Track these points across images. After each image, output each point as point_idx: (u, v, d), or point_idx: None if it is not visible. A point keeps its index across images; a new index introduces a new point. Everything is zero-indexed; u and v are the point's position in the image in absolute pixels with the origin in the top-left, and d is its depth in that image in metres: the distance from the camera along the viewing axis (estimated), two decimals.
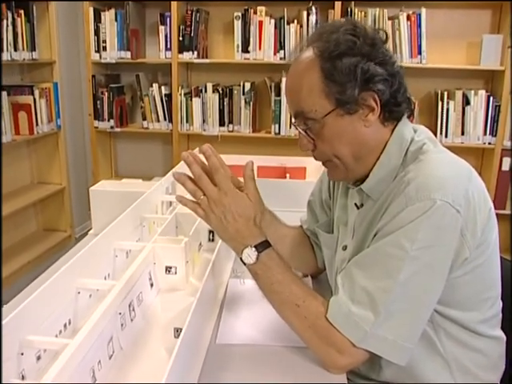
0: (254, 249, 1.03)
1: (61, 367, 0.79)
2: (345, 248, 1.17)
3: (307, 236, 1.42)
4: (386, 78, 1.02)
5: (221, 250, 1.34)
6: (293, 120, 1.10)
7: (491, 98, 3.32)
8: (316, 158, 1.12)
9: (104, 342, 0.98)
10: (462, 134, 3.37)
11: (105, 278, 1.26)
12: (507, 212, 3.32)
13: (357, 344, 0.94)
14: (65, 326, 1.06)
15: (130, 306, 1.11)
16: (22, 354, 0.89)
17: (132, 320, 1.11)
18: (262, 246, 1.03)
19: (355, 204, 1.15)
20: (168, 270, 1.31)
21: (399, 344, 0.93)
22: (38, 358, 0.94)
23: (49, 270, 1.37)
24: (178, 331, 1.04)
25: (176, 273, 1.31)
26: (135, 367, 1.02)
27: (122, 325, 1.06)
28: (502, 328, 1.13)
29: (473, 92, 3.31)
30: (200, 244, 1.53)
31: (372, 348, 0.94)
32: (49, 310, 0.99)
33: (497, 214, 1.06)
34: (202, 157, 1.11)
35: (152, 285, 1.27)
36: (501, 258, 1.10)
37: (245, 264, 1.04)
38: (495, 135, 3.35)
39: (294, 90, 1.07)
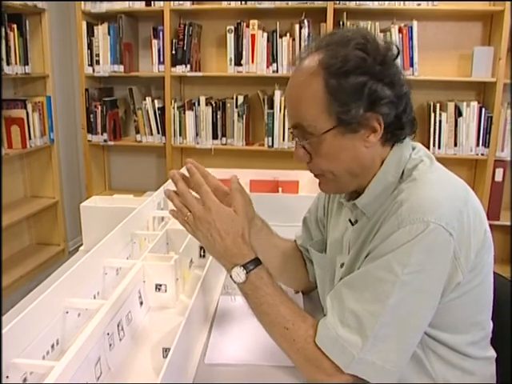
0: (242, 268, 1.00)
1: None
2: (342, 266, 1.13)
3: (300, 251, 1.41)
4: (393, 100, 0.97)
5: (211, 266, 1.34)
6: (291, 129, 1.07)
7: (483, 110, 3.33)
8: (310, 171, 1.09)
9: (91, 364, 0.97)
10: (455, 145, 3.38)
11: (94, 297, 1.25)
12: (501, 223, 3.33)
13: (344, 369, 0.92)
14: (52, 346, 1.04)
15: (118, 325, 1.10)
16: (8, 376, 0.88)
17: (121, 340, 1.10)
18: (252, 265, 1.01)
19: (349, 220, 1.13)
20: (158, 287, 1.30)
21: (387, 369, 0.91)
22: (24, 380, 0.92)
23: (39, 287, 1.36)
24: (166, 351, 1.04)
25: (166, 290, 1.30)
26: None
27: (110, 345, 1.05)
28: (496, 345, 1.11)
29: (465, 103, 3.32)
30: (191, 260, 1.53)
31: (360, 373, 0.92)
32: (36, 331, 0.99)
33: (490, 225, 1.03)
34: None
35: (142, 303, 1.26)
36: (496, 274, 1.09)
37: (235, 282, 1.02)
38: (488, 146, 3.36)
39: (294, 100, 1.03)
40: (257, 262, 1.02)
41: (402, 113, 1.00)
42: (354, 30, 1.04)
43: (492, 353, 1.11)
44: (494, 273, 1.08)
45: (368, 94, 0.95)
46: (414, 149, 1.07)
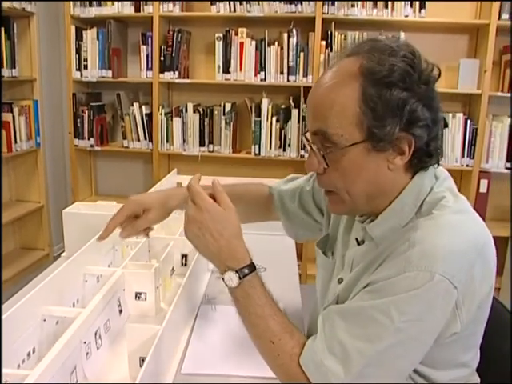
0: (236, 273, 0.96)
1: None
2: (340, 281, 1.09)
3: (270, 199, 1.40)
4: (429, 124, 0.90)
5: (192, 274, 1.34)
6: (307, 134, 0.98)
7: (468, 121, 3.37)
8: (320, 184, 1.01)
9: (67, 372, 0.96)
10: (441, 156, 3.40)
11: (74, 304, 1.25)
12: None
13: None
14: (29, 354, 1.04)
15: (96, 333, 1.10)
16: None
17: (98, 348, 1.09)
18: (246, 270, 0.97)
19: (356, 239, 1.07)
20: (138, 295, 1.30)
21: None
22: None
23: (18, 294, 1.35)
24: (143, 360, 1.03)
25: (146, 299, 1.30)
26: None
27: (87, 353, 1.05)
28: (482, 372, 1.08)
29: (451, 115, 3.35)
30: (172, 269, 1.52)
31: None
32: (12, 339, 0.98)
33: None
34: None
35: (121, 311, 1.26)
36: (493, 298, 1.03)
37: (226, 285, 0.98)
38: (473, 157, 3.40)
39: (322, 104, 0.93)
40: (251, 267, 0.98)
41: (432, 139, 0.93)
42: (398, 41, 0.95)
43: (476, 381, 1.07)
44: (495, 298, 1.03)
45: (408, 111, 0.88)
46: (437, 178, 0.99)
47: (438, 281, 0.84)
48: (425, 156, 0.94)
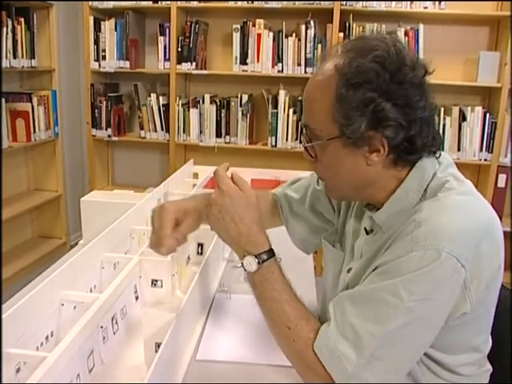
0: (255, 258, 0.98)
1: (38, 380, 0.79)
2: (349, 271, 1.11)
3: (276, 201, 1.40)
4: (402, 123, 0.91)
5: (208, 263, 1.34)
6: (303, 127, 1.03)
7: (488, 115, 3.33)
8: (315, 172, 1.08)
9: (84, 356, 0.98)
10: (458, 149, 3.38)
11: (91, 290, 1.26)
12: (503, 229, 3.30)
13: (336, 381, 0.90)
14: (47, 337, 1.05)
15: (113, 319, 1.11)
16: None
17: (114, 333, 1.11)
18: (265, 256, 0.99)
19: (365, 228, 1.09)
20: (154, 283, 1.31)
21: None
22: (18, 370, 0.93)
23: (36, 279, 1.37)
24: (159, 346, 1.04)
25: (162, 286, 1.31)
26: (115, 382, 1.02)
27: (103, 338, 1.06)
28: (494, 358, 1.08)
29: (469, 108, 3.32)
30: (188, 257, 1.53)
31: None
32: (31, 322, 0.99)
33: None
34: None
35: (137, 298, 1.27)
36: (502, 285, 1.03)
37: (245, 270, 1.00)
38: (491, 152, 3.36)
39: (308, 99, 1.00)
40: (271, 253, 1.00)
41: (414, 136, 0.93)
42: (382, 38, 0.95)
43: (487, 367, 1.07)
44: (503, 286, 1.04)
45: (372, 111, 0.90)
46: (440, 164, 1.01)
47: (444, 259, 0.85)
48: (406, 153, 0.95)
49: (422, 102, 0.93)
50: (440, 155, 1.01)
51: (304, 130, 1.02)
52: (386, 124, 0.91)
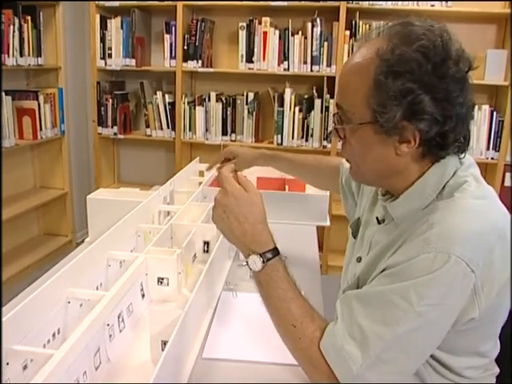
0: (260, 257, 0.98)
1: (44, 378, 0.79)
2: (359, 260, 1.11)
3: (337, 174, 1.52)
4: (438, 118, 0.88)
5: (214, 261, 1.34)
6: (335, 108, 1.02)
7: (495, 113, 3.32)
8: (341, 152, 1.05)
9: (91, 353, 0.98)
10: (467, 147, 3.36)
11: (97, 288, 1.26)
12: None
13: (341, 380, 0.90)
14: (53, 335, 1.05)
15: (119, 316, 1.11)
16: (8, 363, 0.89)
17: (121, 331, 1.11)
18: (270, 255, 0.99)
19: (377, 218, 1.09)
20: (160, 281, 1.31)
21: None
22: (25, 367, 0.93)
23: (43, 277, 1.37)
24: (165, 344, 1.04)
25: (168, 284, 1.31)
26: (122, 379, 1.02)
27: (110, 336, 1.06)
28: (500, 361, 1.07)
29: (476, 107, 3.30)
30: (194, 255, 1.53)
31: None
32: (37, 319, 0.99)
33: None
34: None
35: (143, 296, 1.27)
36: None
37: (250, 269, 1.01)
38: (498, 150, 3.35)
39: (343, 80, 0.98)
40: (275, 252, 1.00)
41: (448, 132, 0.91)
42: (429, 27, 0.91)
43: (494, 371, 1.06)
44: None
45: (410, 102, 0.88)
46: (462, 164, 0.99)
47: (454, 262, 0.84)
48: (438, 148, 0.93)
49: (461, 98, 0.90)
50: (464, 156, 0.99)
51: (336, 109, 1.00)
52: (421, 117, 0.89)
